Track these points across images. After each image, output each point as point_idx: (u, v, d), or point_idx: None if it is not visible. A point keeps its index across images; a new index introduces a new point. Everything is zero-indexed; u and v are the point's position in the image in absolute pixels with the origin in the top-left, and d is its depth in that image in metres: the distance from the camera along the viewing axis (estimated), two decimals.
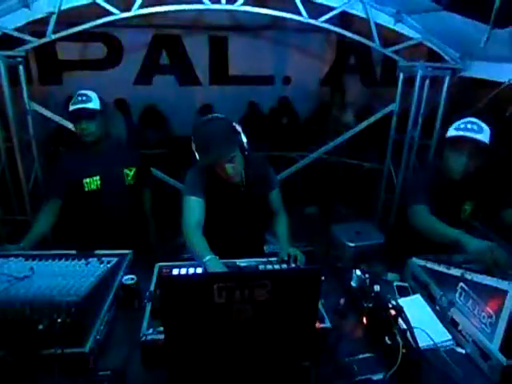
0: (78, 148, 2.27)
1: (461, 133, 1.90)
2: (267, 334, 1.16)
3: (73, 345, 1.30)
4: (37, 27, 3.01)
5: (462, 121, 1.94)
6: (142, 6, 2.88)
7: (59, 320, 1.31)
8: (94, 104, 2.15)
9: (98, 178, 2.23)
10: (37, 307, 1.36)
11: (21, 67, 2.91)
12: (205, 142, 1.77)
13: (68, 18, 2.97)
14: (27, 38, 2.89)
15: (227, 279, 1.06)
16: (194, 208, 1.89)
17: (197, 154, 1.81)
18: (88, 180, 2.22)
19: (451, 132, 1.96)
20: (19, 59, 2.89)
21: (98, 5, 2.84)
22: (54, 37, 2.86)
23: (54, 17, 2.79)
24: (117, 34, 5.88)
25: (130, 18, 2.98)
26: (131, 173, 2.33)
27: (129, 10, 2.89)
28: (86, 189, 2.22)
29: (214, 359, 1.17)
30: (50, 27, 2.83)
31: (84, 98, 2.13)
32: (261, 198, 2.10)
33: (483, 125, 1.88)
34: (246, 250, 2.03)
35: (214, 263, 1.67)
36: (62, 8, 2.80)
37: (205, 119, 1.83)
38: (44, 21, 2.88)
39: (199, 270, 1.73)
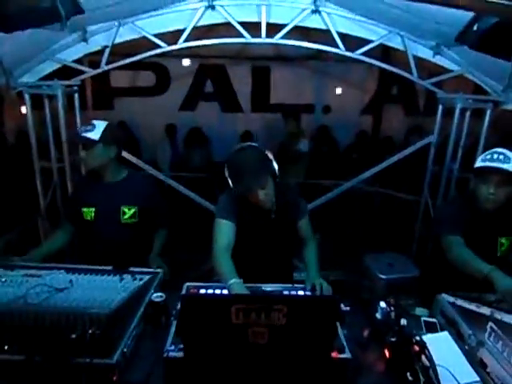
0: (86, 176, 2.36)
1: (487, 163, 1.91)
2: (283, 359, 1.18)
3: (101, 356, 1.37)
4: (94, 58, 3.30)
5: (488, 151, 1.96)
6: (187, 40, 3.08)
7: (90, 331, 1.40)
8: (94, 134, 2.09)
9: (93, 209, 2.22)
10: (71, 317, 1.46)
11: (76, 95, 3.18)
12: (239, 172, 1.83)
13: (121, 49, 3.23)
14: (83, 68, 3.17)
15: (244, 301, 1.10)
16: (224, 231, 1.95)
17: (230, 182, 1.89)
18: (85, 209, 2.23)
19: (478, 163, 1.98)
20: (75, 88, 3.16)
21: (148, 39, 3.07)
22: (106, 68, 3.12)
23: (108, 50, 3.05)
24: (165, 64, 6.26)
25: (177, 50, 3.19)
26: (129, 212, 2.23)
27: (175, 43, 3.10)
28: (84, 217, 2.25)
29: (230, 379, 1.21)
30: (104, 59, 3.09)
31: (89, 127, 2.12)
32: (290, 224, 2.13)
33: (511, 155, 1.88)
34: (275, 275, 2.05)
35: (237, 287, 1.71)
36: (116, 42, 3.06)
37: (238, 148, 1.90)
38: (100, 52, 3.15)
39: (225, 293, 1.78)
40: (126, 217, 2.24)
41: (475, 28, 1.74)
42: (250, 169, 1.81)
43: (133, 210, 2.24)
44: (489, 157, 1.93)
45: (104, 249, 2.27)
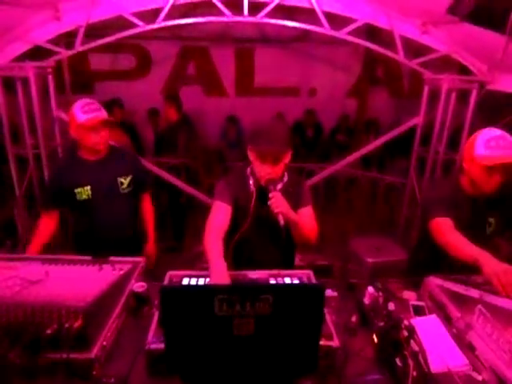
0: (65, 159, 2.33)
1: (497, 153, 1.76)
2: (269, 350, 1.13)
3: (79, 350, 1.31)
4: (71, 40, 3.14)
5: (487, 136, 1.81)
6: (167, 19, 2.95)
7: (67, 325, 1.33)
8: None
9: (88, 187, 2.20)
10: (46, 311, 1.39)
11: (50, 77, 3.03)
12: (271, 132, 1.80)
13: (98, 31, 3.08)
14: (58, 49, 3.01)
15: (228, 292, 1.04)
16: (218, 213, 1.90)
17: (254, 152, 1.83)
18: (79, 190, 2.20)
19: (483, 150, 1.80)
20: (49, 70, 3.01)
21: (125, 19, 2.93)
22: (81, 48, 2.97)
23: (82, 29, 2.90)
24: (146, 46, 6.06)
25: (158, 31, 3.06)
26: (126, 181, 2.29)
27: (154, 22, 2.97)
28: (78, 198, 2.21)
29: (214, 372, 1.16)
30: (78, 39, 2.95)
31: None
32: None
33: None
34: (276, 263, 2.00)
35: (217, 271, 1.63)
36: (91, 21, 2.91)
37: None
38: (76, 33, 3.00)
39: (208, 283, 1.72)
40: (125, 186, 2.29)
41: None
42: (281, 134, 1.82)
43: (128, 179, 2.29)
44: (494, 144, 1.77)
45: (102, 225, 2.27)
